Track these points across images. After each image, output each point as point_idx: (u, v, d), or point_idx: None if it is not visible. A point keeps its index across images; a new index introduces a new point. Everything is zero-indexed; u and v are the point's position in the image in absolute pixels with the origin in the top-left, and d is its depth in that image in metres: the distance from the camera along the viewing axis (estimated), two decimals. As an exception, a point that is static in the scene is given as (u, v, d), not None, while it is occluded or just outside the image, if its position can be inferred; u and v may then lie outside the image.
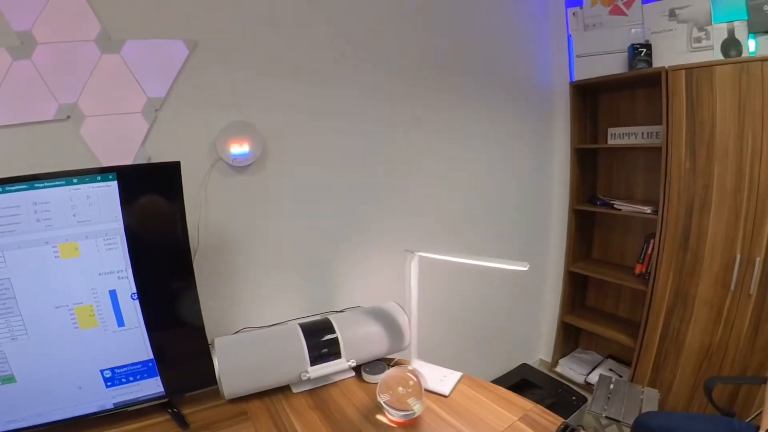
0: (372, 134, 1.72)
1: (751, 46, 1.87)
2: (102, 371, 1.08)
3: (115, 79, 1.19)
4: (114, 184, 1.02)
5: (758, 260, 1.76)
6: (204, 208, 1.34)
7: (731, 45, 1.90)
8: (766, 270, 1.75)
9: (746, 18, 1.85)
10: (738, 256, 1.82)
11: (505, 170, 2.32)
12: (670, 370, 2.09)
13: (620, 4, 2.21)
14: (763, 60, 1.68)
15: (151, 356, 1.13)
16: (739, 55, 1.88)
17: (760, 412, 1.24)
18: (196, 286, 1.15)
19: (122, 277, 1.06)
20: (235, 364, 1.19)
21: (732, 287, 1.85)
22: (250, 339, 1.29)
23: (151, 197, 1.08)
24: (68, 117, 1.15)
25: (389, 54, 1.73)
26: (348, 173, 1.67)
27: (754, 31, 1.84)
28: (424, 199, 1.94)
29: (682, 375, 2.05)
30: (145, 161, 1.24)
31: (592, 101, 2.55)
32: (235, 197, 1.42)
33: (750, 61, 1.72)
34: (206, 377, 1.19)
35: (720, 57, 1.92)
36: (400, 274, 1.33)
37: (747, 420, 1.39)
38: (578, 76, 2.41)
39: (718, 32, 1.93)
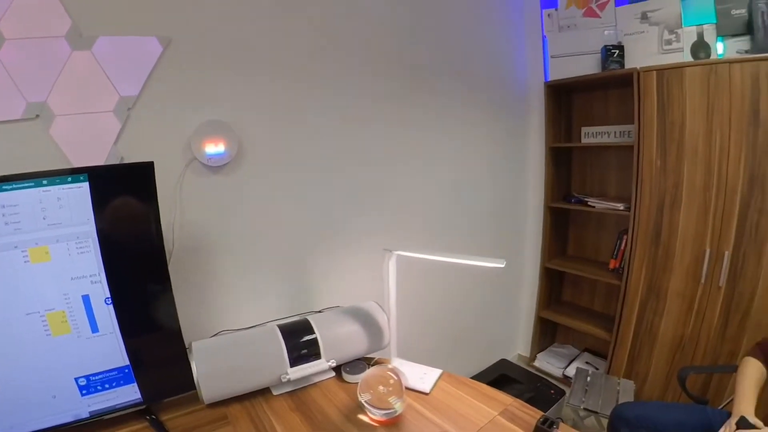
0: (349, 133, 1.71)
1: (719, 48, 1.94)
2: (77, 379, 1.05)
3: (86, 76, 1.15)
4: (85, 185, 0.99)
5: (727, 254, 1.83)
6: (179, 209, 1.31)
7: (700, 47, 1.97)
8: (734, 263, 1.82)
9: (715, 21, 1.92)
10: (707, 250, 1.88)
11: (481, 169, 2.35)
12: (645, 362, 2.15)
13: (594, 6, 2.26)
14: (730, 62, 1.74)
15: (127, 362, 1.10)
16: (708, 57, 1.95)
17: (732, 399, 1.28)
18: (171, 289, 1.13)
19: (95, 282, 1.03)
20: (214, 368, 1.17)
21: (702, 280, 1.91)
22: (228, 342, 1.26)
23: (124, 198, 1.04)
24: (37, 116, 1.11)
25: (367, 54, 1.72)
26: (325, 172, 1.66)
27: (722, 34, 1.91)
28: (402, 198, 1.94)
29: (657, 366, 2.11)
30: (117, 161, 1.21)
31: (566, 101, 2.60)
32: (210, 198, 1.39)
33: (718, 63, 1.78)
34: (184, 382, 1.16)
35: (690, 59, 1.99)
36: (379, 273, 1.33)
37: (719, 407, 1.44)
38: (553, 76, 2.45)
39: (688, 35, 1.99)
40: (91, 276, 1.02)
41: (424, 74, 1.95)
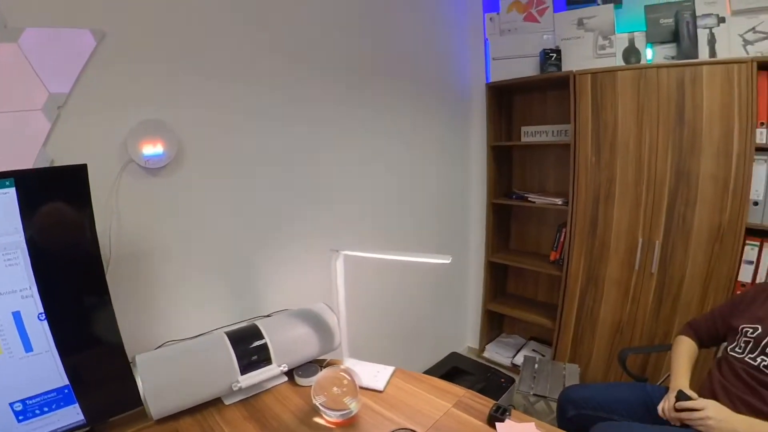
0: (295, 133, 1.67)
1: (648, 54, 2.09)
2: (11, 404, 0.95)
3: (11, 71, 1.04)
4: (12, 191, 0.90)
5: (657, 243, 1.98)
6: (115, 215, 1.23)
7: (631, 53, 2.12)
8: (664, 251, 1.97)
9: (645, 29, 2.08)
10: (640, 240, 2.03)
11: (425, 167, 2.38)
12: (588, 346, 2.28)
13: (534, 11, 2.36)
14: (658, 67, 1.89)
15: (67, 382, 1.01)
16: (638, 62, 2.10)
17: (669, 375, 1.38)
18: (110, 301, 1.05)
19: (26, 296, 0.94)
20: (161, 382, 1.11)
21: (636, 268, 2.06)
22: (174, 353, 1.20)
23: (56, 205, 0.96)
24: (-48, 114, 1.01)
25: (312, 54, 1.69)
26: (270, 173, 1.61)
27: (652, 41, 2.07)
28: (349, 198, 1.93)
29: (599, 349, 2.25)
30: (47, 164, 1.11)
31: (507, 101, 2.70)
32: (149, 201, 1.31)
33: (647, 67, 1.92)
34: (130, 398, 1.09)
35: (621, 63, 2.13)
36: (327, 273, 1.32)
37: (658, 383, 1.54)
38: (494, 77, 2.52)
39: (620, 41, 2.14)
40: (21, 290, 0.93)
41: (369, 75, 1.94)
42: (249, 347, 1.25)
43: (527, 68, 2.40)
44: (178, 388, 1.13)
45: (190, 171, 1.38)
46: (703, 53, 1.92)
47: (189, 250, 1.42)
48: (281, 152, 1.64)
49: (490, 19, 2.50)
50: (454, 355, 2.57)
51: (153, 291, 1.35)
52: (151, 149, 1.26)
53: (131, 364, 1.12)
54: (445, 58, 2.46)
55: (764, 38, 1.80)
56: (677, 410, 1.18)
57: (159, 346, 1.29)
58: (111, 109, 1.21)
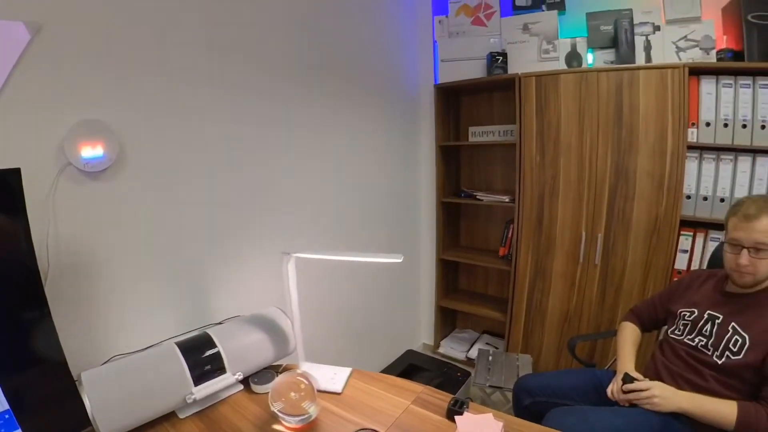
0: (243, 135, 1.62)
1: (589, 58, 2.22)
2: None
3: None
4: None
5: (600, 236, 2.10)
6: (53, 223, 1.14)
7: (573, 57, 2.24)
8: (606, 244, 2.10)
9: (586, 35, 2.21)
10: (584, 234, 2.14)
11: (376, 167, 2.38)
12: (538, 336, 2.38)
13: (481, 15, 2.43)
14: (598, 71, 2.01)
15: (7, 406, 0.93)
16: (580, 66, 2.22)
17: (615, 360, 1.48)
18: (51, 315, 0.97)
19: None
20: (110, 399, 1.03)
21: (581, 260, 2.17)
22: (122, 367, 1.12)
23: (-15, 212, 0.89)
24: None
25: (261, 54, 1.64)
26: (217, 175, 1.54)
27: (592, 46, 2.20)
28: (299, 200, 1.89)
29: (549, 339, 2.35)
30: (-26, 169, 1.03)
31: (455, 102, 2.76)
32: (89, 207, 1.22)
33: (588, 71, 2.03)
34: (78, 419, 1.01)
35: (564, 67, 2.25)
36: (279, 277, 1.29)
37: (606, 368, 1.63)
38: (442, 79, 2.57)
39: (563, 46, 2.25)
40: (-49, 309, 0.85)
41: (318, 75, 1.92)
42: (201, 357, 1.20)
43: (475, 70, 2.46)
44: (129, 404, 1.06)
45: (134, 174, 1.31)
46: (640, 59, 2.07)
47: (134, 258, 1.34)
48: (229, 155, 1.57)
49: (439, 21, 2.55)
50: (409, 353, 2.59)
51: (97, 303, 1.27)
52: (91, 151, 1.18)
53: (77, 382, 1.04)
54: (395, 60, 2.47)
55: (695, 46, 1.97)
56: (625, 392, 1.26)
57: (106, 362, 1.21)
58: (47, 108, 1.12)
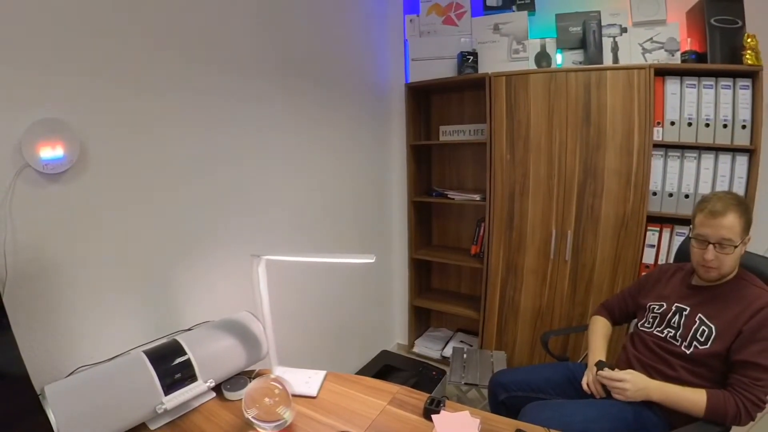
0: (210, 136, 1.56)
1: (558, 59, 2.28)
2: None
3: None
4: None
5: (569, 233, 2.15)
6: (10, 228, 1.08)
7: (543, 57, 2.28)
8: (576, 240, 2.15)
9: (555, 36, 2.26)
10: (554, 231, 2.19)
11: (347, 167, 2.35)
12: (512, 333, 2.42)
13: (452, 15, 2.45)
14: (567, 71, 2.06)
15: None
16: (549, 66, 2.27)
17: (587, 353, 1.51)
18: (10, 326, 0.92)
19: None
20: (76, 413, 0.98)
21: (552, 256, 2.22)
22: (88, 379, 1.07)
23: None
24: None
25: (228, 53, 1.60)
26: (184, 177, 1.49)
27: (561, 47, 2.26)
28: (269, 201, 1.85)
29: (522, 334, 2.39)
30: None
31: (426, 101, 2.78)
32: (49, 211, 1.15)
33: (557, 71, 2.08)
34: None
35: (534, 67, 2.30)
36: (249, 280, 1.26)
37: (579, 361, 1.66)
38: (413, 78, 2.58)
39: (533, 46, 2.30)
40: None
41: (288, 75, 1.88)
42: (171, 365, 1.16)
43: (445, 69, 2.48)
44: (96, 417, 1.02)
45: (97, 176, 1.24)
46: (608, 59, 2.14)
47: (98, 264, 1.28)
48: (196, 156, 1.51)
49: (410, 20, 2.55)
50: (384, 353, 2.58)
51: (59, 312, 1.20)
52: (50, 152, 1.12)
53: (40, 396, 0.99)
54: (365, 59, 2.46)
55: (660, 47, 2.05)
56: (600, 378, 1.30)
57: (71, 373, 1.16)
58: (2, 106, 1.06)
